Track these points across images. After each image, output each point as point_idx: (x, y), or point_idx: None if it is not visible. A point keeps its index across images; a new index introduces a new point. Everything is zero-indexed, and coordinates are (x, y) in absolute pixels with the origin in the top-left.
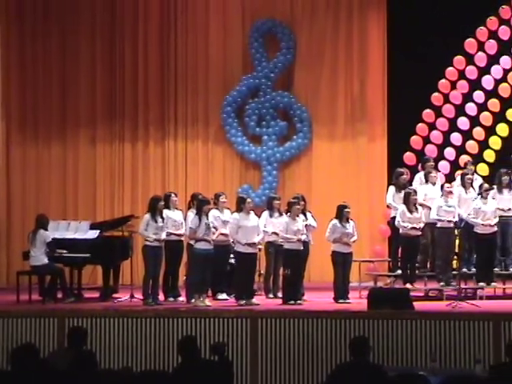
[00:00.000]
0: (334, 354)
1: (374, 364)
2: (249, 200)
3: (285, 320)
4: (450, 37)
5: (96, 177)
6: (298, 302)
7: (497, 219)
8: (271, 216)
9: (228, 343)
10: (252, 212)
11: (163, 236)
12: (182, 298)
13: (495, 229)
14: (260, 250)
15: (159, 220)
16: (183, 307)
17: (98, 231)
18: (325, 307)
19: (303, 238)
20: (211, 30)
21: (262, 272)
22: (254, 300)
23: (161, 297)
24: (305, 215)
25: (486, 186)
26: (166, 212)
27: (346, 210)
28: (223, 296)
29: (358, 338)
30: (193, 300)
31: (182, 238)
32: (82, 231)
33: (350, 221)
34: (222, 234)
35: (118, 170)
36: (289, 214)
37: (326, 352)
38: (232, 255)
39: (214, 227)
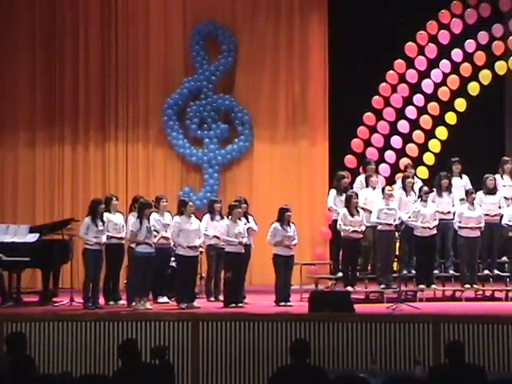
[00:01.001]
0: (275, 357)
1: (315, 366)
2: (190, 203)
3: (226, 323)
4: (391, 40)
5: (35, 180)
6: (240, 304)
7: (436, 222)
8: (212, 219)
9: (169, 346)
10: (193, 215)
11: (104, 239)
12: (123, 302)
13: (434, 231)
14: (201, 253)
15: (99, 223)
16: (124, 311)
17: (38, 234)
18: (266, 310)
19: (244, 240)
20: (152, 33)
21: (203, 275)
22: (196, 303)
23: (101, 300)
24: (246, 218)
25: (426, 189)
26: (106, 215)
27: (287, 213)
28: (164, 299)
29: (299, 340)
30: (133, 303)
31: (123, 242)
32: (21, 235)
33: (291, 224)
34: (163, 237)
35: (58, 173)
36: (230, 217)
37: (268, 355)
38: (173, 258)
39: (156, 230)
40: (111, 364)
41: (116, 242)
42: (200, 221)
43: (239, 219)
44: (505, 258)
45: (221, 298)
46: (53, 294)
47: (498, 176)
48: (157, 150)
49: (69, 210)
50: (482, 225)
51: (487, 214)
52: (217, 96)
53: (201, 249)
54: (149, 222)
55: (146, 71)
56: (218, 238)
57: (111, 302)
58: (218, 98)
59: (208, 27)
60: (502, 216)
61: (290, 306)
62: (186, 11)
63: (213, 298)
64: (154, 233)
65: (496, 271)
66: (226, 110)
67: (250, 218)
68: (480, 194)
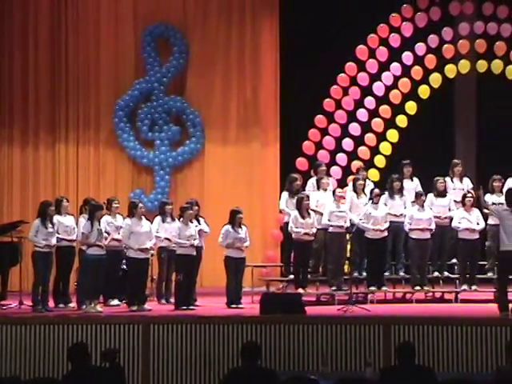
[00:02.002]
0: (226, 359)
1: (266, 368)
2: (141, 205)
3: (177, 325)
4: (342, 43)
5: None
6: (191, 307)
7: (387, 224)
8: (164, 221)
9: (120, 349)
10: (144, 217)
11: (54, 242)
12: (73, 305)
13: (385, 234)
14: (152, 255)
15: (49, 225)
16: (74, 314)
17: None
18: (217, 312)
19: (196, 243)
20: (103, 34)
21: (154, 277)
22: (146, 306)
23: (51, 303)
24: (197, 220)
25: (377, 191)
26: (56, 217)
27: (238, 215)
28: (115, 302)
29: (250, 342)
30: (84, 306)
31: (74, 244)
32: None
33: (242, 226)
34: (114, 240)
35: (7, 174)
36: (181, 219)
37: (219, 357)
38: (124, 261)
39: (107, 232)
40: (61, 367)
41: (66, 245)
42: (151, 223)
43: (190, 221)
44: (454, 260)
45: (172, 300)
46: (1, 296)
47: (448, 179)
48: (108, 151)
49: (18, 212)
50: (433, 227)
51: (437, 217)
52: (168, 98)
53: (152, 251)
54: (100, 225)
55: (97, 72)
56: (169, 240)
57: (61, 305)
58: (169, 100)
59: (159, 28)
60: (451, 218)
61: (242, 308)
62: (137, 12)
63: (164, 301)
64: (105, 235)
65: (446, 273)
66: (178, 112)
67: (202, 220)
68: (430, 196)
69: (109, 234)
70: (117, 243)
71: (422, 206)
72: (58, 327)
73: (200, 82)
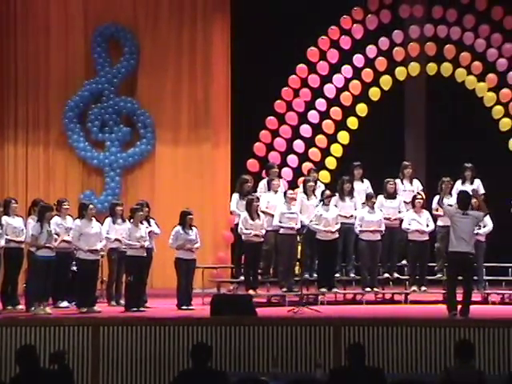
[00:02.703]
0: (176, 361)
1: (216, 370)
2: (91, 206)
3: (127, 327)
4: (293, 45)
5: None
6: (141, 308)
7: (338, 226)
8: (114, 222)
9: (69, 352)
10: (94, 218)
11: (2, 243)
12: (22, 307)
13: (336, 235)
14: (102, 256)
15: None
16: (22, 316)
17: None
18: (168, 314)
19: (146, 244)
20: (52, 33)
21: (104, 279)
22: (96, 307)
23: None
24: (148, 222)
25: (328, 192)
26: (5, 219)
27: (189, 216)
28: (64, 304)
29: (200, 344)
30: (33, 308)
31: (23, 246)
32: None
33: (193, 227)
34: (64, 241)
35: None
36: (132, 220)
37: (169, 359)
38: (74, 262)
39: (56, 234)
40: (8, 370)
41: (15, 246)
42: (101, 224)
43: (141, 223)
44: (404, 262)
45: (122, 302)
46: None
47: (398, 181)
48: (57, 152)
49: None
50: (383, 228)
51: (387, 218)
52: (119, 98)
53: (102, 252)
54: (49, 226)
55: (47, 72)
56: (119, 241)
57: (9, 307)
58: (119, 101)
59: (110, 29)
60: (401, 220)
61: (192, 309)
62: (88, 12)
63: (114, 302)
64: (55, 236)
65: (396, 274)
66: (128, 113)
67: (152, 221)
68: (380, 198)
69: (58, 235)
70: (66, 245)
71: (373, 208)
72: (6, 329)
73: (151, 83)
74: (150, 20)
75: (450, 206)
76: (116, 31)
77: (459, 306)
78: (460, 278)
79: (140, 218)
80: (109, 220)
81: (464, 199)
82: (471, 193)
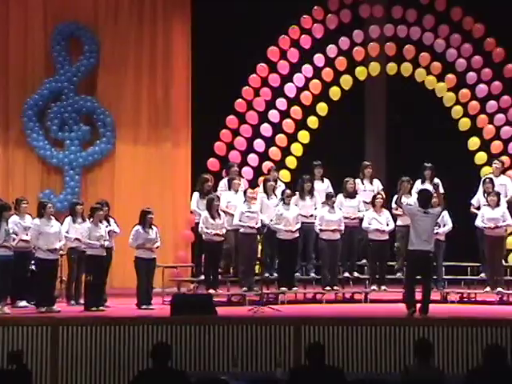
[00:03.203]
0: (136, 361)
1: (176, 369)
2: (49, 205)
3: (87, 327)
4: (254, 44)
5: None
6: (101, 308)
7: (299, 225)
8: (74, 221)
9: (27, 351)
10: (53, 217)
11: None
12: None
13: (297, 235)
14: (62, 256)
15: None
16: None
17: None
18: (127, 313)
19: (106, 243)
20: (11, 31)
21: (63, 278)
22: (55, 307)
23: None
24: (108, 221)
25: (288, 192)
26: None
27: (149, 215)
28: (23, 303)
29: (160, 343)
30: None
31: None
32: None
33: (153, 227)
34: (22, 241)
35: None
36: (92, 219)
37: (129, 358)
38: (33, 262)
39: (15, 233)
40: None
41: None
42: (61, 223)
43: (101, 222)
44: (364, 261)
45: (81, 301)
46: None
47: (358, 180)
48: (17, 151)
49: None
50: (342, 228)
51: (347, 217)
52: (78, 97)
53: (61, 252)
54: (7, 225)
55: (5, 71)
56: (79, 240)
57: None
58: (79, 100)
59: (70, 27)
60: (361, 219)
61: (152, 309)
62: (47, 10)
63: (73, 302)
64: (13, 236)
65: (356, 274)
66: (88, 112)
67: (112, 220)
68: (340, 197)
69: (17, 234)
70: (25, 244)
71: (333, 208)
72: None
73: (111, 82)
74: (110, 18)
75: (410, 205)
76: (76, 29)
77: (418, 305)
78: (419, 276)
79: (100, 217)
80: (69, 219)
81: (425, 198)
82: (432, 187)
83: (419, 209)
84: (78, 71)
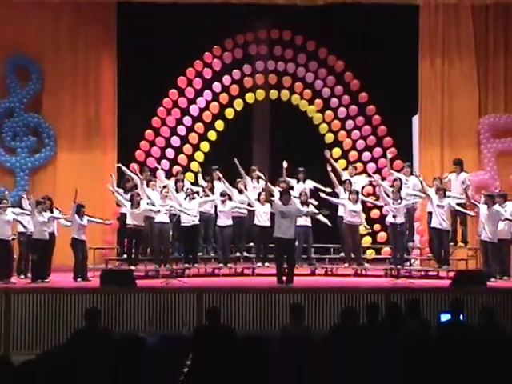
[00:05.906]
0: (73, 322)
1: (105, 328)
2: (5, 200)
3: (33, 295)
4: (167, 73)
5: None
6: (45, 280)
7: (198, 216)
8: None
9: None
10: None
11: None
12: None
13: (197, 222)
14: (13, 239)
15: None
16: None
17: None
18: (66, 285)
19: (50, 229)
20: None
21: (15, 257)
22: (13, 279)
23: None
24: (51, 211)
25: (191, 190)
26: None
27: (82, 208)
28: None
29: (92, 308)
30: None
31: None
32: None
33: (85, 216)
34: None
35: None
36: (36, 210)
37: (68, 320)
38: None
39: None
40: None
41: None
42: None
43: (44, 211)
44: (252, 244)
45: (29, 275)
46: None
47: (248, 179)
48: None
49: None
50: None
51: (238, 209)
52: (27, 114)
53: (13, 236)
54: None
55: None
56: (24, 227)
57: None
58: (28, 116)
59: (19, 59)
60: (249, 211)
61: (86, 281)
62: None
63: (23, 276)
64: None
65: (245, 253)
66: (35, 126)
67: (56, 211)
68: (234, 191)
69: None
70: None
71: (223, 202)
72: None
73: (53, 102)
74: (52, 52)
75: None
76: (24, 61)
77: (284, 278)
78: (285, 256)
79: (42, 208)
80: (18, 211)
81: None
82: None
83: (281, 205)
84: (27, 94)
